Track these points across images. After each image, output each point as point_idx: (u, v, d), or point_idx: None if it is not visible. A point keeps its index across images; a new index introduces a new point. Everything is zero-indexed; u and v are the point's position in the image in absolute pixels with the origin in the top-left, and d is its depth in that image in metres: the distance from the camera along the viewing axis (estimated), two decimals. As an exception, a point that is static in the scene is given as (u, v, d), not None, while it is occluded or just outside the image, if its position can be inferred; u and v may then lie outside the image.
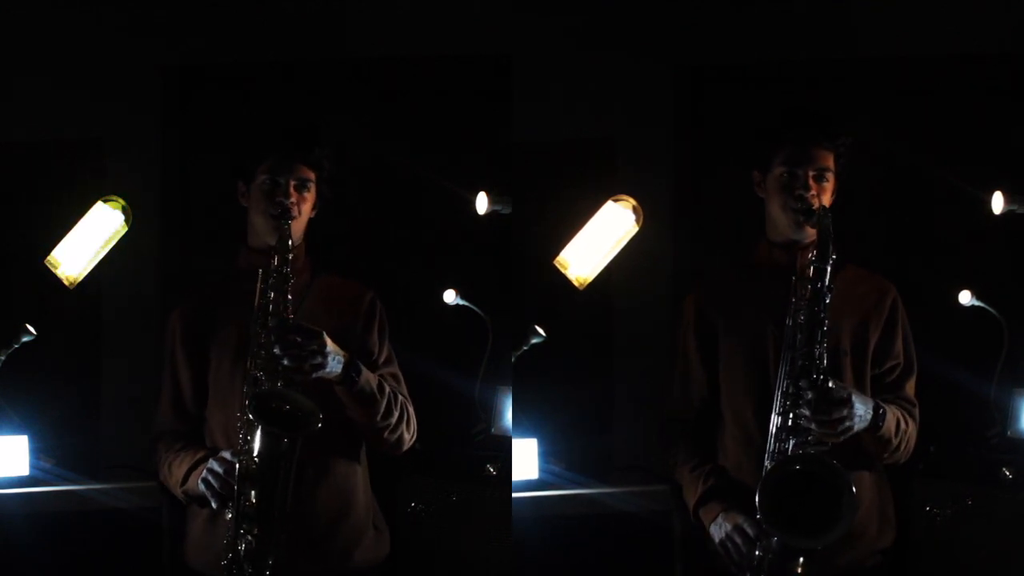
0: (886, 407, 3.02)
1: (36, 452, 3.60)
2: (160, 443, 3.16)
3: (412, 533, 3.52)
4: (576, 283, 3.54)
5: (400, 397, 3.14)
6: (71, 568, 3.52)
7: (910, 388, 3.14)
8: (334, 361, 2.96)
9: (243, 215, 3.18)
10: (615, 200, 3.54)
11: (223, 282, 3.21)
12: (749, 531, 2.98)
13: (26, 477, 3.56)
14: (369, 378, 3.04)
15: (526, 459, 3.55)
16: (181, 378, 3.15)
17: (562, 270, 3.53)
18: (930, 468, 3.45)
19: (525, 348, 3.56)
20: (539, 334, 3.57)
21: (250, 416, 2.91)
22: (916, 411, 3.13)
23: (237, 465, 2.92)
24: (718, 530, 3.04)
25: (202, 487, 2.98)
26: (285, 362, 2.92)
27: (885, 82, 3.76)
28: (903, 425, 3.06)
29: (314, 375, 2.95)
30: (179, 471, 3.07)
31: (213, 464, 2.97)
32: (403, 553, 3.45)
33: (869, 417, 2.96)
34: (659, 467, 3.39)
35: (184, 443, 3.12)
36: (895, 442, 3.04)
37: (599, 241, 3.53)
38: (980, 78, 3.72)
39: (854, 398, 2.93)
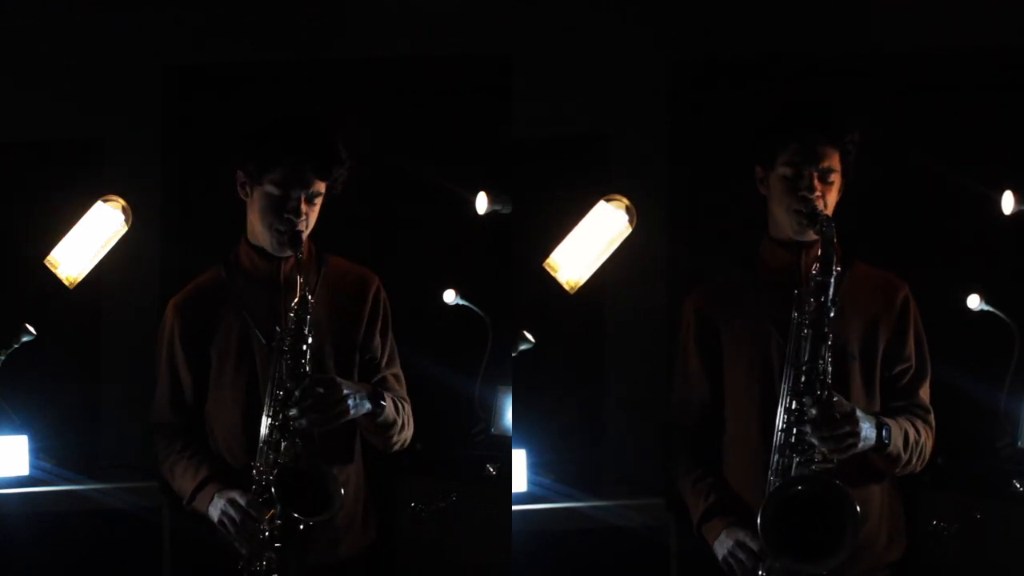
0: (891, 422, 2.93)
1: (36, 452, 3.64)
2: (158, 436, 3.16)
3: (412, 533, 3.51)
4: (567, 287, 3.49)
5: (403, 405, 3.13)
6: (71, 568, 3.55)
7: (923, 393, 3.05)
8: (359, 399, 2.96)
9: (243, 213, 3.14)
10: (607, 200, 3.49)
11: (223, 278, 3.14)
12: (752, 546, 2.94)
13: (26, 477, 3.60)
14: (389, 405, 3.04)
15: (515, 471, 3.49)
16: (180, 375, 3.12)
17: (552, 273, 3.48)
18: (938, 481, 3.34)
19: (514, 355, 3.52)
20: (527, 340, 3.52)
21: (272, 494, 2.91)
22: (931, 417, 3.04)
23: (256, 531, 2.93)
24: (720, 547, 3.00)
25: (220, 528, 2.99)
26: (303, 423, 2.92)
27: (891, 78, 3.65)
28: (913, 436, 2.97)
29: (343, 420, 2.96)
30: (182, 483, 3.07)
31: (228, 509, 2.96)
32: (403, 553, 3.47)
33: (873, 435, 2.88)
34: (652, 479, 3.36)
35: (184, 442, 3.11)
36: (905, 456, 2.96)
37: (591, 243, 3.48)
38: (989, 74, 3.61)
39: (858, 413, 2.86)
